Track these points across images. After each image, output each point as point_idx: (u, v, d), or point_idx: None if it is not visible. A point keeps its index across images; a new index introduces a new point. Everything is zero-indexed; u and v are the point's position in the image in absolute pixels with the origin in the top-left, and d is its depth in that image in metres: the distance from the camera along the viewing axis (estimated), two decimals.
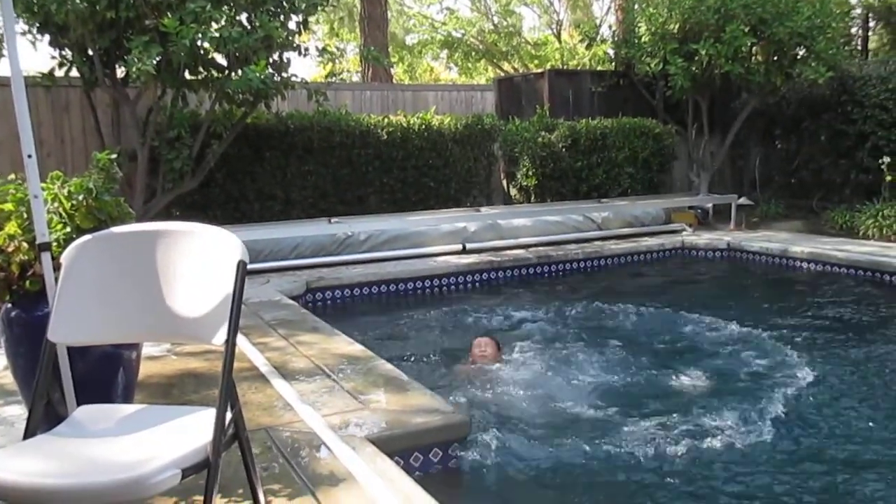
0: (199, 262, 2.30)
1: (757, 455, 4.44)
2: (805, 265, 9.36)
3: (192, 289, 2.28)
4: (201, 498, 2.07)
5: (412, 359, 6.14)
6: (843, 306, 7.90)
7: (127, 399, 3.52)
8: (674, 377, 5.84)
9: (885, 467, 4.26)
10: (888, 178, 10.31)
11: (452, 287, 8.80)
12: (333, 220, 9.67)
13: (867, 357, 6.22)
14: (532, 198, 12.02)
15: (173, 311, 2.27)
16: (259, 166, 10.09)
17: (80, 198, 3.48)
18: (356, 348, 5.29)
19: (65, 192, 3.49)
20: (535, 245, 9.99)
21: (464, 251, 9.55)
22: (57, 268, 2.51)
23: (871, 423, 4.88)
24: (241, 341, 5.27)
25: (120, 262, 2.39)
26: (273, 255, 8.61)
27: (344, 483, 3.16)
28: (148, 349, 4.99)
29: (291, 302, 7.02)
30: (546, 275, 9.44)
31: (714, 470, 4.20)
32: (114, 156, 3.79)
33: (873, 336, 6.84)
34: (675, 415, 4.94)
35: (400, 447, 3.68)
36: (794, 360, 6.11)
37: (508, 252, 9.65)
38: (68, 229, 3.42)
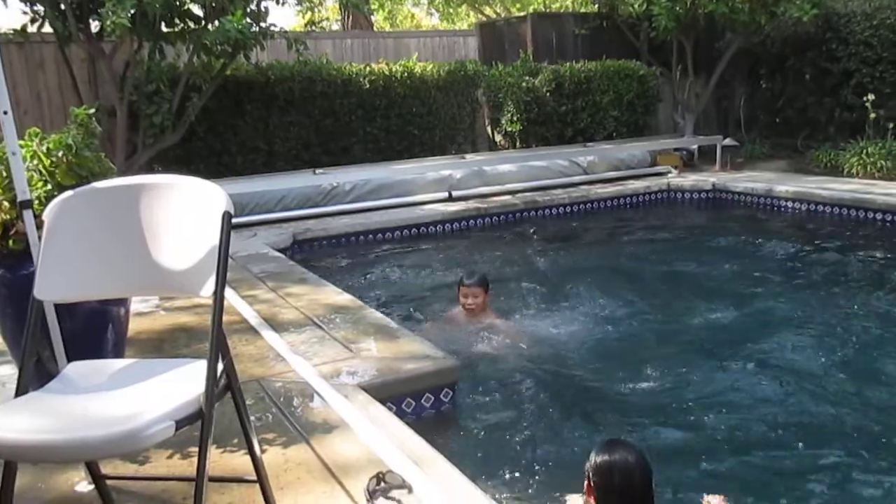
0: (183, 214, 2.28)
1: (740, 388, 4.55)
2: (790, 204, 9.40)
3: (177, 242, 2.26)
4: (196, 449, 2.09)
5: (402, 307, 6.18)
6: (827, 244, 7.97)
7: (118, 355, 3.52)
8: (661, 318, 5.92)
9: (859, 397, 4.39)
10: (872, 115, 10.30)
11: (440, 235, 8.80)
12: (318, 171, 9.61)
13: (850, 293, 6.30)
14: (517, 143, 11.97)
15: (159, 265, 2.26)
16: (241, 119, 9.98)
17: (60, 154, 3.42)
18: (345, 298, 5.30)
19: (44, 148, 3.43)
20: (521, 191, 9.98)
21: (450, 199, 9.53)
22: (40, 226, 2.49)
23: (847, 357, 4.99)
24: (230, 294, 5.27)
25: (104, 217, 2.36)
26: (258, 208, 8.56)
27: (337, 430, 3.19)
28: (137, 305, 4.98)
29: (279, 254, 7.01)
30: (533, 220, 9.44)
31: (703, 408, 4.27)
32: (92, 111, 3.73)
33: (856, 273, 6.91)
34: (663, 357, 5.02)
35: (392, 393, 3.71)
36: (780, 299, 6.19)
37: (495, 198, 9.64)
38: (49, 187, 3.38)
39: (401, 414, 3.61)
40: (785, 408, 4.29)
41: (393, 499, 2.59)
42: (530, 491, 3.43)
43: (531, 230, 9.07)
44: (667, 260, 7.71)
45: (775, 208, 9.53)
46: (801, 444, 3.87)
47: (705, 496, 2.93)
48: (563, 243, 8.60)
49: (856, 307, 5.93)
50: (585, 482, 2.58)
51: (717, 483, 3.43)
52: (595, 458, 2.53)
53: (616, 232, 9.05)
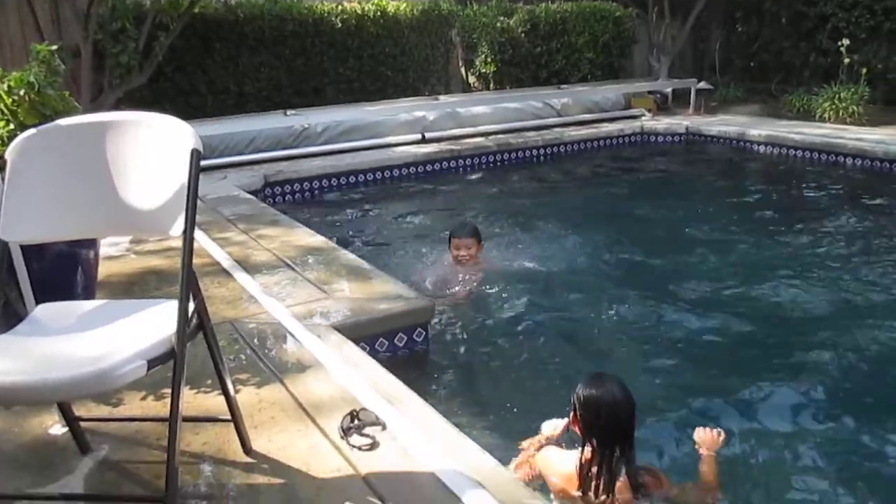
0: (150, 152, 2.23)
1: (708, 316, 4.70)
2: (762, 148, 9.45)
3: (145, 180, 2.21)
4: (169, 390, 2.08)
5: (375, 249, 6.18)
6: (798, 188, 8.05)
7: (87, 298, 3.48)
8: (635, 257, 5.97)
9: (827, 326, 4.55)
10: (846, 60, 10.31)
11: (413, 177, 8.75)
12: (289, 112, 9.47)
13: (819, 235, 6.39)
14: (491, 85, 11.86)
15: (127, 204, 2.22)
16: (209, 58, 9.77)
17: (22, 92, 3.34)
18: (318, 240, 5.28)
19: (4, 87, 3.35)
20: (495, 133, 9.91)
21: (423, 140, 9.45)
22: (2, 166, 2.43)
23: (813, 289, 5.16)
24: (201, 237, 5.22)
25: (69, 155, 2.30)
26: (229, 150, 8.43)
27: (311, 370, 3.20)
28: (106, 249, 4.92)
29: (250, 196, 6.93)
30: (506, 162, 9.42)
31: (678, 343, 4.40)
32: (54, 47, 3.63)
33: (826, 216, 6.99)
34: (637, 294, 5.09)
35: (365, 334, 3.73)
36: (749, 239, 6.27)
37: (468, 140, 9.57)
38: (11, 126, 3.31)
39: (374, 354, 3.63)
40: (749, 339, 4.43)
41: (367, 436, 2.62)
42: (504, 425, 3.48)
43: (504, 172, 9.06)
44: (640, 202, 7.75)
45: (748, 152, 9.57)
46: (774, 371, 3.99)
47: (697, 429, 2.98)
48: (537, 185, 8.60)
49: (826, 248, 6.03)
50: (571, 413, 2.68)
51: (695, 416, 3.51)
52: (582, 392, 2.63)
53: (589, 174, 9.06)
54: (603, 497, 2.59)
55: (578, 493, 2.64)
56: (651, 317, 4.78)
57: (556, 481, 2.75)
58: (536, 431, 3.32)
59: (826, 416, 3.59)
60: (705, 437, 2.91)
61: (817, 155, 8.85)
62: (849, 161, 8.55)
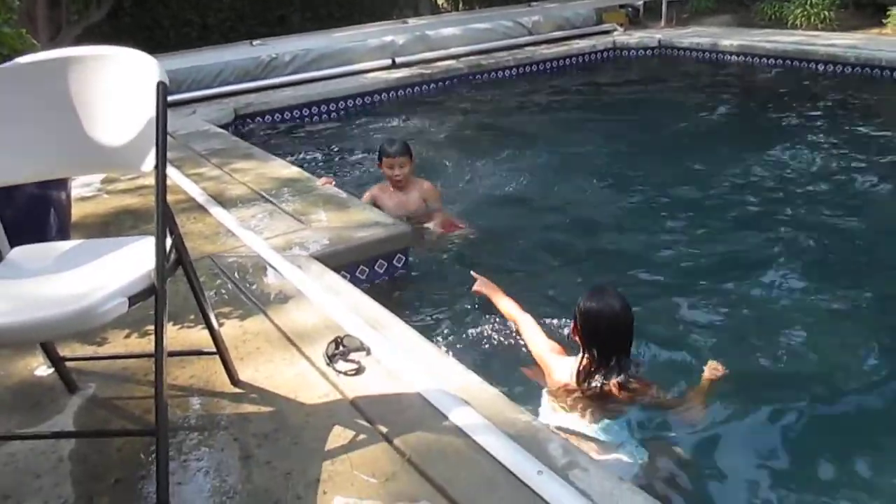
0: (115, 87, 2.17)
1: (688, 231, 4.78)
2: (735, 58, 9.41)
3: (111, 116, 2.17)
4: (153, 327, 2.09)
5: (350, 177, 6.14)
6: (772, 96, 8.04)
7: (63, 240, 3.46)
8: (609, 173, 6.00)
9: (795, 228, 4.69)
10: None
11: (384, 103, 8.65)
12: (255, 42, 9.28)
13: (794, 141, 6.43)
14: (460, 5, 11.68)
15: (95, 141, 2.18)
16: None
17: None
18: (293, 171, 5.24)
19: None
20: (466, 55, 9.78)
21: (393, 65, 9.31)
22: None
23: (782, 193, 5.30)
24: (174, 173, 5.16)
25: (31, 94, 2.24)
26: (196, 84, 8.27)
27: (293, 300, 3.22)
28: (79, 190, 4.87)
29: (221, 130, 6.83)
30: (478, 84, 9.31)
31: (650, 254, 4.49)
32: None
33: (800, 122, 7.02)
34: (611, 208, 5.16)
35: (345, 262, 3.74)
36: (724, 149, 6.30)
37: (439, 63, 9.44)
38: None
39: (355, 282, 3.65)
40: (718, 241, 4.59)
41: (352, 361, 2.65)
42: (486, 344, 3.54)
43: (477, 94, 8.98)
44: (614, 118, 7.73)
45: (721, 62, 9.53)
46: (743, 279, 4.11)
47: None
48: (510, 106, 8.53)
49: (798, 154, 6.08)
50: (573, 323, 2.80)
51: (662, 328, 3.58)
52: (584, 304, 2.75)
53: (563, 92, 8.98)
54: (597, 392, 2.73)
55: (572, 387, 2.78)
56: (632, 232, 4.85)
57: (553, 379, 2.89)
58: (515, 350, 3.41)
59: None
60: (713, 366, 2.95)
61: (790, 63, 8.82)
62: (821, 67, 8.53)
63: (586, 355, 2.76)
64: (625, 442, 2.70)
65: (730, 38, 9.64)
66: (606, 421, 2.74)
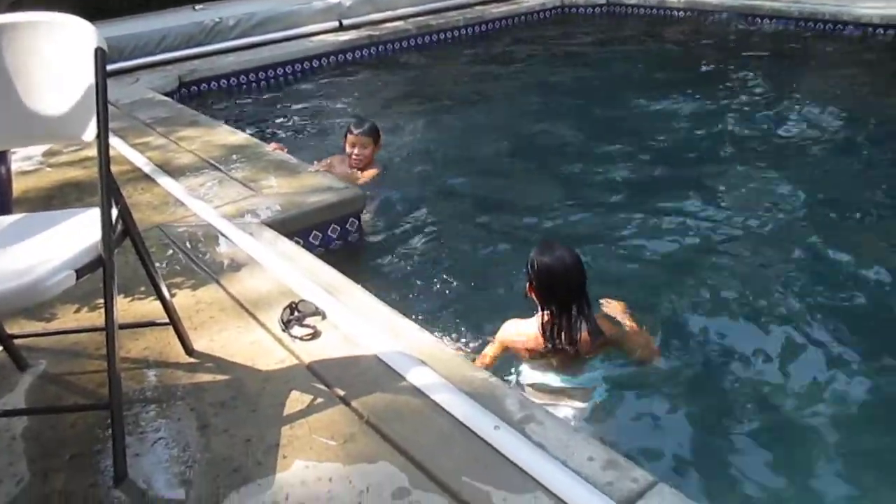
0: (52, 54, 2.11)
1: (637, 183, 4.84)
2: (682, 13, 9.46)
3: (49, 85, 2.10)
4: (102, 300, 2.06)
5: (298, 143, 6.07)
6: (718, 50, 8.12)
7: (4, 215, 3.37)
8: (564, 131, 6.03)
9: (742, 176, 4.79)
10: None
11: (332, 66, 8.52)
12: (198, 7, 9.06)
13: (738, 93, 6.53)
14: None
15: (33, 112, 2.11)
16: None
17: None
18: (240, 137, 5.16)
19: None
20: (414, 15, 9.65)
21: (341, 28, 9.15)
22: None
23: (732, 141, 5.45)
24: (119, 143, 5.04)
25: None
26: (138, 51, 8.04)
27: (246, 268, 3.19)
28: (19, 164, 4.74)
29: (165, 98, 6.68)
30: (427, 45, 9.23)
31: (606, 193, 4.66)
32: None
33: (743, 74, 7.12)
34: (567, 166, 5.20)
35: (298, 228, 3.71)
36: (672, 104, 6.36)
37: (387, 25, 9.31)
38: None
39: (309, 247, 3.63)
40: (666, 193, 4.68)
41: (308, 326, 2.65)
42: (441, 304, 3.56)
43: (426, 55, 8.91)
44: (564, 76, 7.74)
45: (668, 18, 9.57)
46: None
47: (602, 302, 3.13)
48: (460, 67, 8.48)
49: (742, 106, 6.19)
50: (527, 281, 2.81)
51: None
52: (535, 262, 2.76)
53: (513, 51, 8.95)
54: (568, 347, 2.76)
55: (546, 349, 2.80)
56: (582, 186, 4.91)
57: (521, 345, 2.89)
58: (472, 310, 3.44)
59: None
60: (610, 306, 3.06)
61: (736, 17, 8.90)
62: (766, 22, 8.62)
63: (546, 312, 2.78)
64: (598, 385, 2.79)
65: None
66: (582, 371, 2.81)
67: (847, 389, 2.84)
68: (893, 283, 3.54)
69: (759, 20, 8.68)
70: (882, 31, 7.71)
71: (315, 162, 4.90)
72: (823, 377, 2.92)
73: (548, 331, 2.78)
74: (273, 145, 4.89)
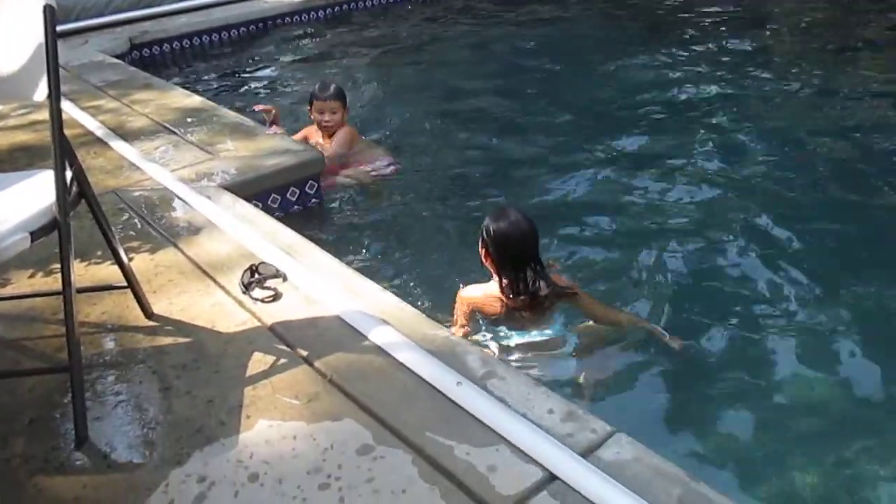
0: None
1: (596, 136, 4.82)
2: None
3: None
4: (59, 265, 2.03)
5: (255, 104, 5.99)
6: (640, 9, 8.16)
7: None
8: (513, 91, 6.05)
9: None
10: None
11: (287, 27, 8.39)
12: None
13: (703, 53, 6.59)
14: None
15: None
16: None
17: None
18: (196, 100, 5.07)
19: None
20: None
21: None
22: None
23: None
24: (70, 107, 4.93)
25: None
26: (87, 13, 7.83)
27: (205, 231, 3.16)
28: None
29: (117, 61, 6.52)
30: (384, 4, 9.11)
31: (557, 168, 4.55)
32: None
33: (700, 24, 7.17)
34: (520, 122, 5.24)
35: (256, 190, 3.69)
36: (633, 65, 6.40)
37: None
38: None
39: (268, 210, 3.60)
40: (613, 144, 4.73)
41: (269, 288, 2.64)
42: (402, 265, 3.58)
43: (386, 13, 8.82)
44: (525, 35, 7.72)
45: None
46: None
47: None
48: (418, 25, 8.40)
49: (709, 65, 6.25)
50: (482, 248, 2.81)
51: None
52: (491, 228, 2.76)
53: (472, 7, 8.89)
54: (530, 303, 2.81)
55: (509, 307, 2.85)
56: (544, 147, 4.95)
57: (487, 307, 2.91)
58: (434, 270, 3.45)
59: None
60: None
61: None
62: None
63: (503, 277, 2.80)
64: (565, 335, 2.85)
65: None
66: (548, 323, 2.87)
67: (811, 352, 2.89)
68: (864, 239, 3.62)
69: None
70: None
71: (271, 127, 4.77)
72: (788, 336, 2.98)
73: (508, 291, 2.80)
74: (272, 129, 4.66)
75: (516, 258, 2.77)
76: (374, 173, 4.50)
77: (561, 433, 1.90)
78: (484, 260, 2.84)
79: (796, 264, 3.41)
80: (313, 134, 4.70)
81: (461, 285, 3.02)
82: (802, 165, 4.42)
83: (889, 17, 7.28)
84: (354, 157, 4.58)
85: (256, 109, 4.56)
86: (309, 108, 4.62)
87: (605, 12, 8.52)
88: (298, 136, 4.71)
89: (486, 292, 2.91)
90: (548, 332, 2.87)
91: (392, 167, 4.58)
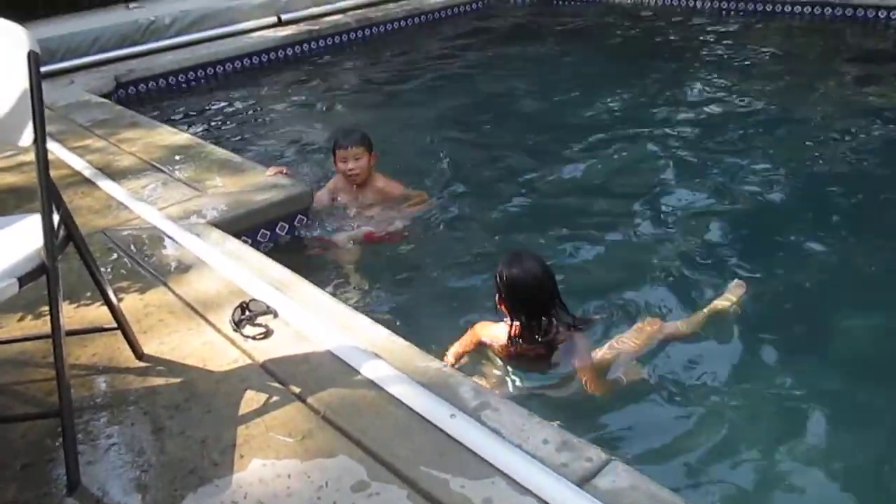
0: None
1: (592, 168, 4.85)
2: None
3: None
4: (48, 308, 2.02)
5: (243, 142, 6.01)
6: (654, 32, 8.26)
7: None
8: (499, 121, 6.07)
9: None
10: None
11: (273, 63, 8.43)
12: (132, 5, 8.88)
13: (678, 74, 6.67)
14: None
15: None
16: None
17: None
18: (183, 137, 5.09)
19: None
20: (353, 8, 9.59)
21: (279, 23, 9.04)
22: None
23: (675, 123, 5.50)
24: (57, 148, 4.93)
25: None
26: (71, 53, 7.84)
27: (194, 269, 3.16)
28: None
29: (103, 100, 6.54)
30: (368, 38, 9.18)
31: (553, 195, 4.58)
32: None
33: (684, 54, 7.26)
34: (512, 155, 5.27)
35: (245, 226, 3.69)
36: (604, 91, 6.46)
37: (326, 19, 9.22)
38: None
39: (257, 246, 3.61)
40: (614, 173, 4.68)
41: (260, 325, 2.64)
42: (394, 300, 3.57)
43: (367, 48, 8.88)
44: (506, 65, 7.79)
45: (608, 3, 9.71)
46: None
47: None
48: (402, 59, 8.46)
49: (693, 87, 6.34)
50: (496, 293, 2.77)
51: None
52: (504, 274, 2.71)
53: (454, 42, 8.95)
54: (539, 351, 2.77)
55: (514, 353, 2.81)
56: (537, 167, 5.00)
57: (496, 345, 2.87)
58: (425, 302, 3.44)
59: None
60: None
61: None
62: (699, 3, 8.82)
63: (516, 322, 2.75)
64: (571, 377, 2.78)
65: None
66: (552, 368, 2.80)
67: (794, 377, 2.88)
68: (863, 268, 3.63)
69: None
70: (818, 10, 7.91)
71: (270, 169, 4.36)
72: (777, 363, 2.98)
73: (517, 339, 2.75)
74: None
75: (529, 305, 2.71)
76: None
77: (556, 463, 1.89)
78: (498, 304, 2.79)
79: (799, 284, 3.46)
80: (342, 188, 4.32)
81: (477, 318, 3.02)
82: (800, 189, 4.46)
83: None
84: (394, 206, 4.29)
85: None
86: (332, 158, 4.27)
87: (582, 40, 8.62)
88: (326, 190, 4.35)
89: (493, 332, 2.88)
90: (545, 377, 2.81)
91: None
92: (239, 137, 6.17)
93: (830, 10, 7.75)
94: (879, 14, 7.49)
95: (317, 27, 8.93)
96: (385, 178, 4.35)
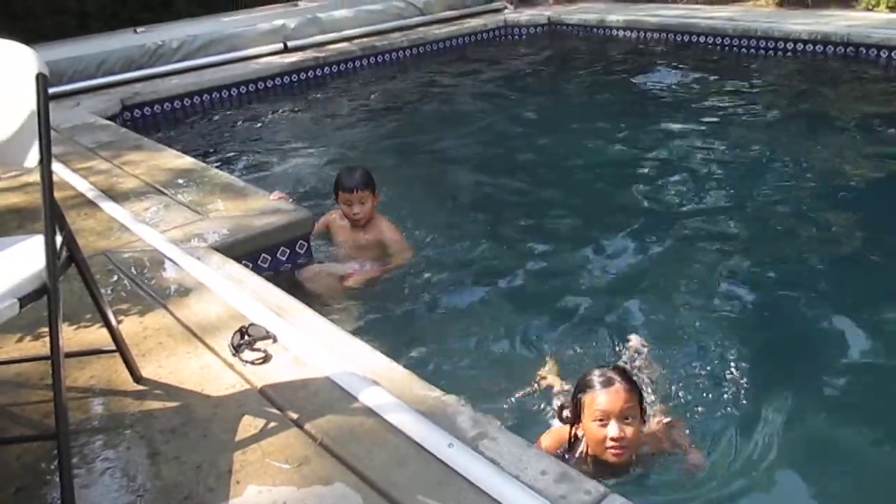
0: None
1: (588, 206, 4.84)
2: (622, 33, 9.67)
3: None
4: (47, 329, 2.02)
5: (246, 168, 6.05)
6: (655, 68, 8.32)
7: None
8: (498, 152, 6.10)
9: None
10: None
11: (278, 88, 8.50)
12: (139, 29, 8.97)
13: (675, 107, 6.72)
14: None
15: None
16: None
17: None
18: (186, 161, 5.11)
19: None
20: (359, 37, 9.70)
21: (286, 50, 9.15)
22: None
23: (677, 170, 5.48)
24: (61, 169, 4.95)
25: None
26: (78, 75, 7.93)
27: (194, 292, 3.16)
28: None
29: (108, 122, 6.58)
30: (373, 66, 9.27)
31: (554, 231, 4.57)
32: None
33: (683, 93, 7.30)
34: (515, 188, 5.25)
35: (246, 251, 3.69)
36: (610, 124, 6.50)
37: (332, 46, 9.34)
38: None
39: (258, 270, 3.60)
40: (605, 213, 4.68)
41: (259, 350, 2.63)
42: (392, 327, 3.56)
43: (372, 76, 8.95)
44: (508, 97, 7.84)
45: (609, 38, 9.77)
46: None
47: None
48: (406, 87, 8.53)
49: (684, 126, 6.35)
50: (572, 401, 2.50)
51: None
52: (588, 394, 2.43)
53: (457, 72, 9.03)
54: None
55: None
56: (537, 192, 5.09)
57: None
58: (423, 331, 3.43)
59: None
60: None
61: (673, 36, 9.14)
62: (702, 39, 8.88)
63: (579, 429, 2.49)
64: None
65: (616, 14, 9.90)
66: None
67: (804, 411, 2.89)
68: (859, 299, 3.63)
69: (697, 37, 8.93)
70: (811, 47, 7.98)
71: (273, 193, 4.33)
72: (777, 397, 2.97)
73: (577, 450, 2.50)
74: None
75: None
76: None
77: (554, 495, 1.88)
78: (566, 412, 2.52)
79: (795, 303, 3.51)
80: (338, 224, 4.24)
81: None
82: (790, 229, 4.48)
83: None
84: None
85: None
86: (335, 197, 4.15)
87: (585, 72, 8.68)
88: (320, 224, 4.26)
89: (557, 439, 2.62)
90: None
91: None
92: (242, 162, 6.20)
93: (832, 49, 7.81)
94: (881, 54, 7.54)
95: (322, 54, 9.02)
96: (388, 224, 4.22)
